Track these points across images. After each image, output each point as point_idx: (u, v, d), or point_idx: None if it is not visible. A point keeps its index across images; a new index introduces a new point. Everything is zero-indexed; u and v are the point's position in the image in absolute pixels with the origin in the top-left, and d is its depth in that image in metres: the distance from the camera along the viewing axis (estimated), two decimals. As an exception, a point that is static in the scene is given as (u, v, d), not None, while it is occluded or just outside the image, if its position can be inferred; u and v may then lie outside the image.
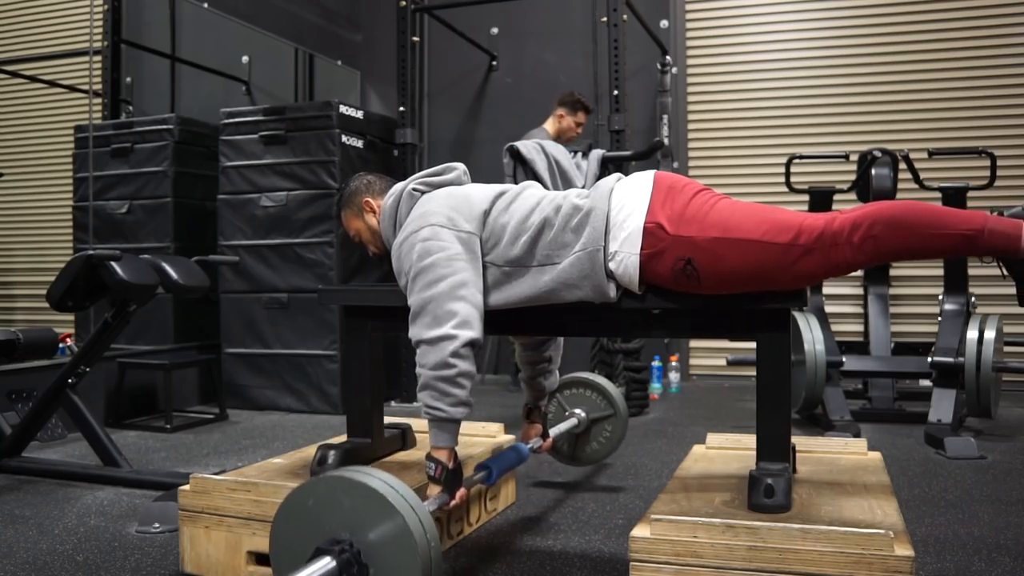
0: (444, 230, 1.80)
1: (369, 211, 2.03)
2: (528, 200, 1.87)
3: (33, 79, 5.40)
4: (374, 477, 1.40)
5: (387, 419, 2.24)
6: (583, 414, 2.57)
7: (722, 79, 5.39)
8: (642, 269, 1.72)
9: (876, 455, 2.15)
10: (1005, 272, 1.74)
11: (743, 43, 5.37)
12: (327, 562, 1.34)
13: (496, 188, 1.94)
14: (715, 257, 1.65)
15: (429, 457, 1.76)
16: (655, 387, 4.68)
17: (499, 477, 2.01)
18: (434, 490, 1.74)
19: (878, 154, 3.90)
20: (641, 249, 1.70)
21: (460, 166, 2.04)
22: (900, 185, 3.96)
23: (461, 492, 1.78)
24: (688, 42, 5.47)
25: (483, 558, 2.00)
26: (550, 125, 4.33)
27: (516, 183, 2.43)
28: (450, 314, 1.73)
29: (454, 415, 1.73)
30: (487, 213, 1.85)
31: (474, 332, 1.73)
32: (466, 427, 2.48)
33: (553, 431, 2.37)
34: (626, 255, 1.72)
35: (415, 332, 1.76)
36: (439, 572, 1.38)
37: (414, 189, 1.95)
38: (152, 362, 3.90)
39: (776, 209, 1.71)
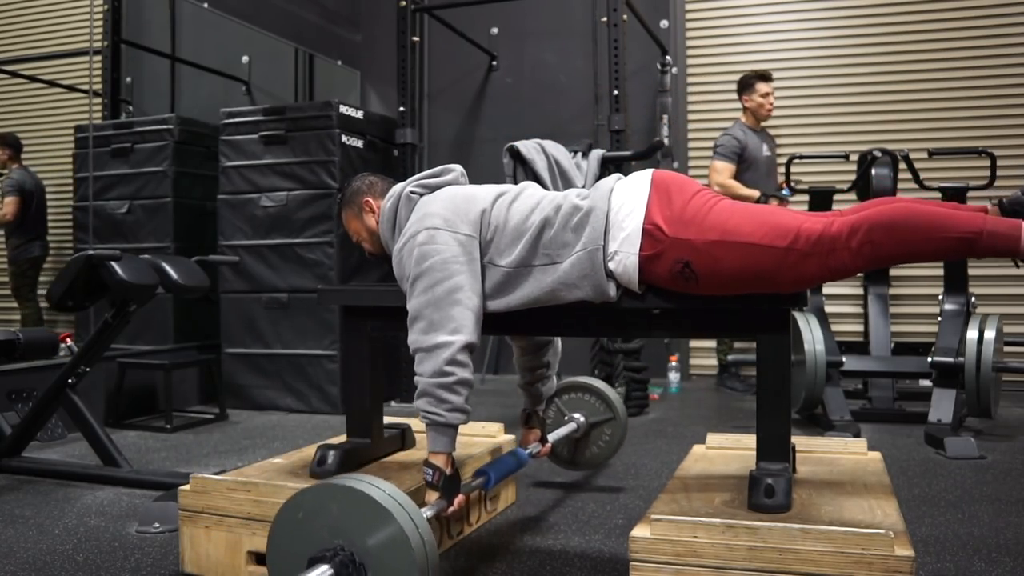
0: (441, 232, 1.81)
1: (369, 212, 2.04)
2: (528, 200, 1.87)
3: (33, 79, 5.40)
4: (371, 484, 1.40)
5: (387, 419, 2.24)
6: (582, 418, 2.57)
7: (722, 79, 5.38)
8: (641, 269, 1.72)
9: (876, 455, 2.15)
10: (1020, 264, 1.73)
11: (743, 43, 5.37)
12: (324, 570, 1.34)
13: (496, 188, 1.94)
14: (713, 260, 1.65)
15: (427, 463, 1.76)
16: (655, 388, 4.68)
17: (497, 483, 2.01)
18: (432, 496, 1.74)
19: (878, 154, 3.90)
20: (640, 250, 1.70)
21: (458, 167, 2.04)
22: (900, 185, 3.96)
23: (459, 499, 1.78)
24: (688, 42, 5.46)
25: (483, 558, 2.00)
26: (744, 116, 4.60)
27: (516, 183, 2.43)
28: (446, 320, 1.73)
29: (451, 421, 1.74)
30: (487, 213, 1.85)
31: (469, 336, 1.74)
32: (466, 427, 2.47)
33: (552, 436, 2.36)
34: (625, 255, 1.72)
35: (412, 339, 1.77)
36: (433, 555, 1.38)
37: (412, 192, 1.95)
38: (152, 362, 3.90)
39: (775, 211, 1.70)
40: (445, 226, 1.81)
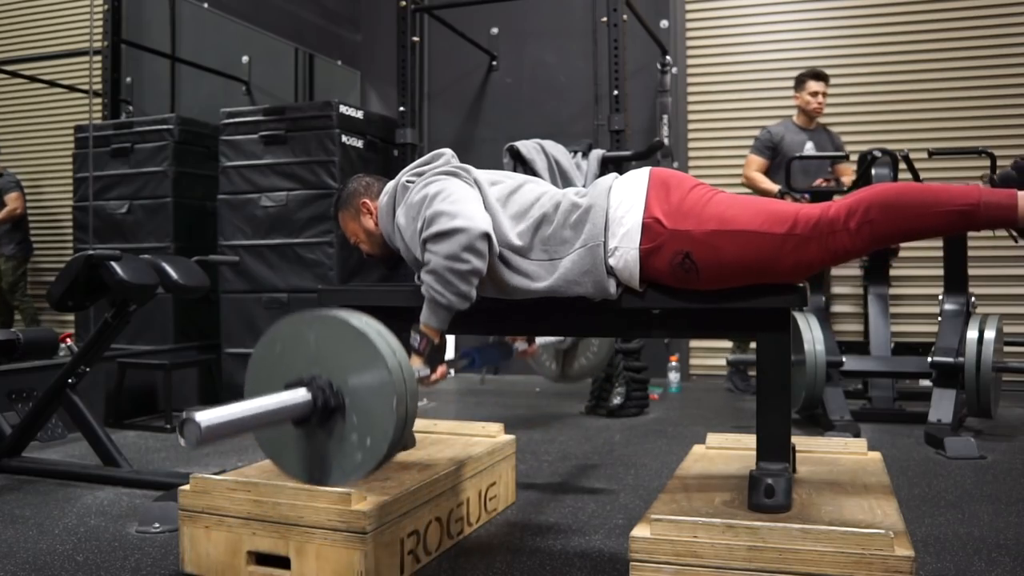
0: (450, 178, 1.86)
1: (366, 213, 2.04)
2: (528, 194, 1.88)
3: (33, 79, 5.40)
4: (347, 313, 1.40)
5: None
6: None
7: (722, 79, 5.39)
8: (642, 265, 1.72)
9: (876, 455, 2.15)
10: (1016, 237, 1.73)
11: (743, 43, 5.37)
12: (301, 392, 1.34)
13: (490, 174, 1.97)
14: (713, 250, 1.66)
15: (415, 330, 1.78)
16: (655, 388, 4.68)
17: (481, 367, 2.04)
18: (416, 361, 1.77)
19: (878, 154, 3.90)
20: (640, 244, 1.71)
21: (447, 151, 2.06)
22: (900, 185, 3.95)
23: (441, 369, 1.82)
24: (688, 42, 5.46)
25: (483, 558, 2.00)
26: (796, 113, 4.60)
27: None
28: (463, 211, 1.76)
29: (454, 304, 1.76)
30: (483, 185, 1.89)
31: (486, 226, 1.75)
32: (465, 427, 2.48)
33: (540, 340, 2.37)
34: (626, 250, 1.72)
35: (429, 232, 1.77)
36: (413, 406, 1.38)
37: (407, 181, 1.97)
38: (152, 362, 3.90)
39: (772, 201, 1.73)
40: (452, 175, 1.87)
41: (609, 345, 2.60)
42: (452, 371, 1.94)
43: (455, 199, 1.79)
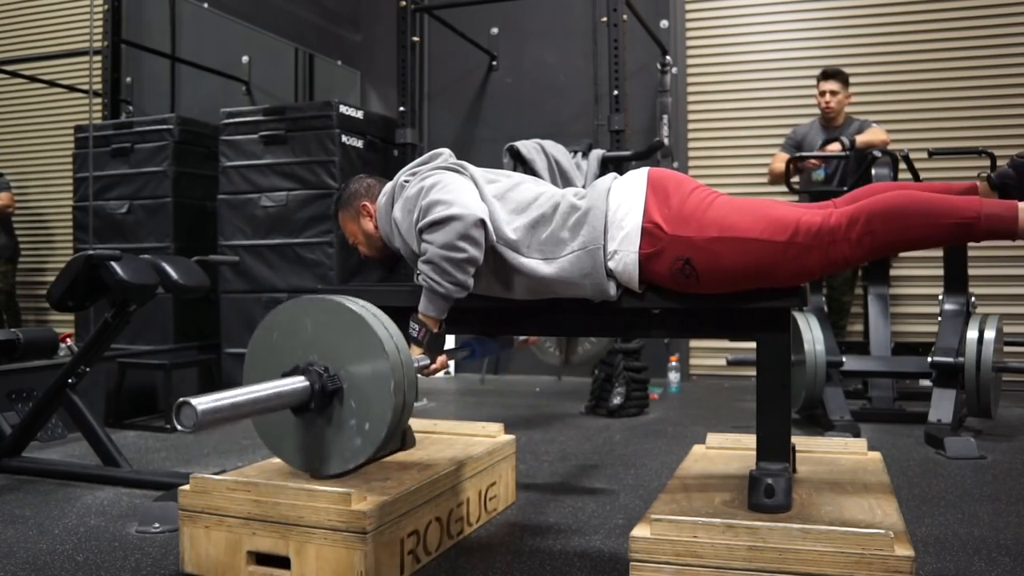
0: (446, 172, 1.88)
1: (366, 215, 2.05)
2: (526, 192, 1.88)
3: (33, 79, 5.40)
4: (343, 297, 1.40)
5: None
6: None
7: (722, 79, 5.39)
8: (641, 268, 1.72)
9: (876, 455, 2.15)
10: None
11: (743, 43, 5.37)
12: (299, 379, 1.34)
13: (493, 171, 1.98)
14: (713, 256, 1.65)
15: (414, 319, 1.78)
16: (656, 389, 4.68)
17: (481, 358, 2.03)
18: (416, 351, 1.77)
19: (878, 154, 3.90)
20: (640, 248, 1.71)
21: (445, 151, 2.07)
22: (900, 185, 3.94)
23: (441, 359, 1.81)
24: (688, 42, 5.46)
25: (483, 558, 2.00)
26: (820, 115, 4.58)
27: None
28: (458, 200, 1.77)
29: (451, 293, 1.76)
30: (480, 181, 1.89)
31: (481, 213, 1.76)
32: (466, 427, 2.48)
33: None
34: (625, 253, 1.72)
35: (425, 221, 1.78)
36: (411, 387, 1.37)
37: (405, 180, 1.97)
38: (152, 362, 3.90)
39: (774, 204, 1.71)
40: (447, 169, 1.88)
41: None
42: (452, 362, 1.94)
43: (450, 188, 1.80)
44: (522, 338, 2.24)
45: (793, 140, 4.59)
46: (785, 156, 4.52)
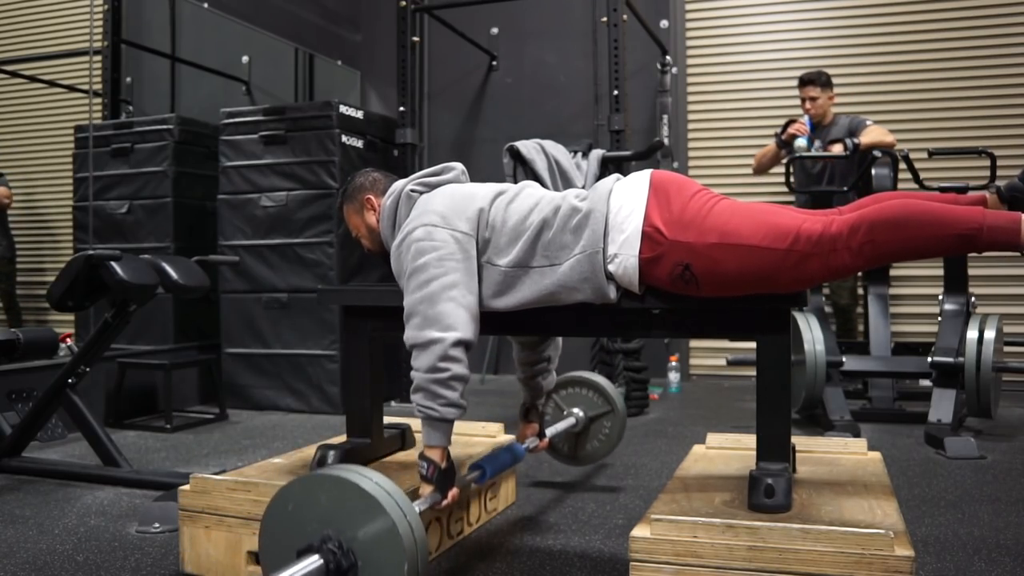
0: (438, 229, 1.81)
1: (370, 209, 2.04)
2: (527, 200, 1.87)
3: (33, 79, 5.40)
4: (359, 474, 1.40)
5: (387, 419, 2.24)
6: (581, 413, 2.57)
7: (722, 79, 5.39)
8: (641, 272, 1.72)
9: (876, 455, 2.15)
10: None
11: (743, 43, 5.37)
12: (313, 560, 1.34)
13: (495, 187, 1.94)
14: (713, 262, 1.65)
15: (422, 456, 1.77)
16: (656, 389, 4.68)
17: (493, 477, 2.02)
18: (426, 489, 1.75)
19: (878, 154, 3.90)
20: (640, 252, 1.70)
21: (458, 166, 2.05)
22: (900, 185, 3.95)
23: (453, 492, 1.79)
24: (688, 42, 5.46)
25: (483, 558, 2.00)
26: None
27: (516, 183, 2.43)
28: (440, 316, 1.73)
29: (446, 415, 1.74)
30: (485, 212, 1.85)
31: (463, 333, 1.74)
32: (465, 427, 2.48)
33: (550, 431, 2.36)
34: (625, 257, 1.72)
35: (408, 335, 1.77)
36: (424, 565, 1.38)
37: (412, 190, 1.96)
38: (152, 362, 3.90)
39: (775, 211, 1.70)
40: (442, 223, 1.82)
41: (620, 429, 2.59)
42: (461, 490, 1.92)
43: (434, 292, 1.75)
44: (532, 445, 2.23)
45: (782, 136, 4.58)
46: (773, 148, 4.53)
